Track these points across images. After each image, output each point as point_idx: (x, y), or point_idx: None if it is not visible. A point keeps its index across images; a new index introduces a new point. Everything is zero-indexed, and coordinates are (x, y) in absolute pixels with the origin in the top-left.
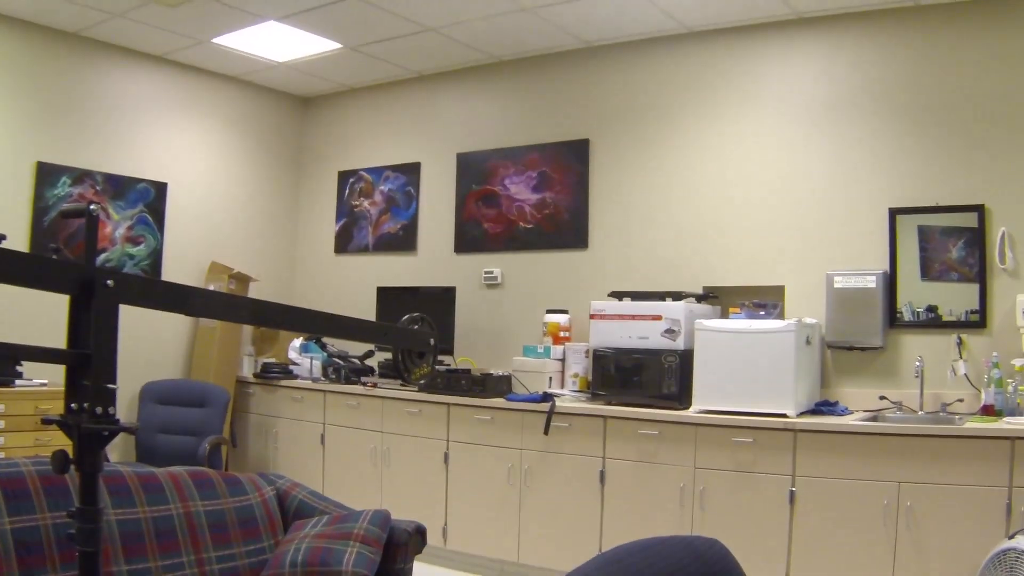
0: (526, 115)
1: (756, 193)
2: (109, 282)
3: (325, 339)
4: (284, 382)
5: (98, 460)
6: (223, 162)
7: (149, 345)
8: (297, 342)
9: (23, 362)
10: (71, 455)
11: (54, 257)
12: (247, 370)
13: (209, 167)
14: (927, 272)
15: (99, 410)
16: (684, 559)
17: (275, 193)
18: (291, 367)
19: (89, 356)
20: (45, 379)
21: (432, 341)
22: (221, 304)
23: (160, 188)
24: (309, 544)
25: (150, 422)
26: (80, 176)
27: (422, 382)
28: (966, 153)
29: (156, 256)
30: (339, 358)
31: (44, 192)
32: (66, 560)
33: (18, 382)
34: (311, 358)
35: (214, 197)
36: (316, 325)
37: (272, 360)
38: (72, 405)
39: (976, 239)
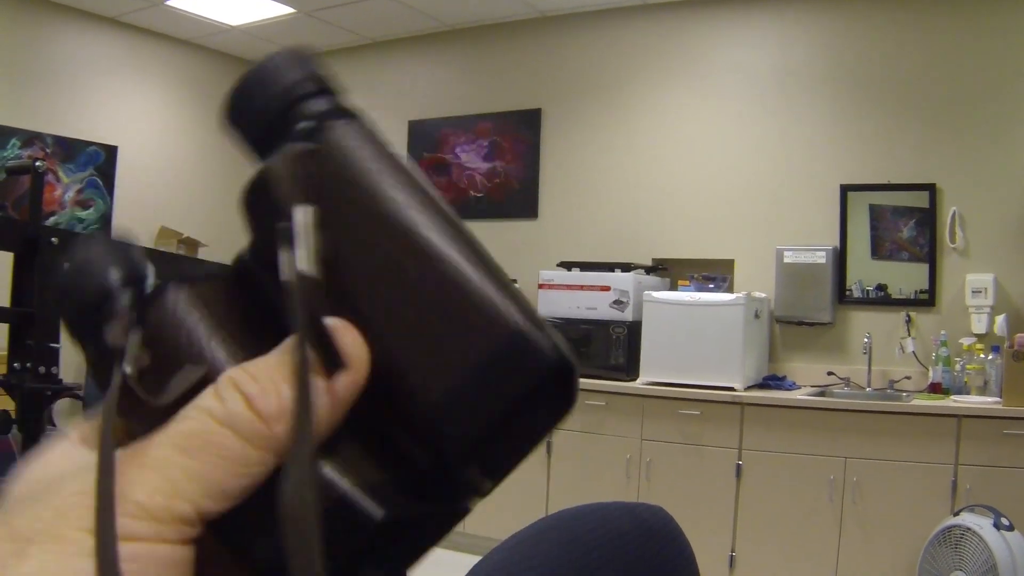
0: (478, 84)
1: (708, 166)
2: (54, 239)
3: None
4: None
5: (41, 420)
6: (174, 126)
7: None
8: None
9: None
10: (13, 416)
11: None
12: None
13: (160, 131)
14: (877, 251)
15: (42, 370)
16: (625, 525)
17: (226, 159)
18: None
19: (32, 315)
20: None
21: None
22: (168, 264)
23: (110, 151)
24: None
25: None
26: (29, 139)
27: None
28: (919, 132)
29: (105, 220)
30: None
31: None
32: None
33: None
34: None
35: (165, 161)
36: None
37: None
38: (15, 365)
39: (927, 220)
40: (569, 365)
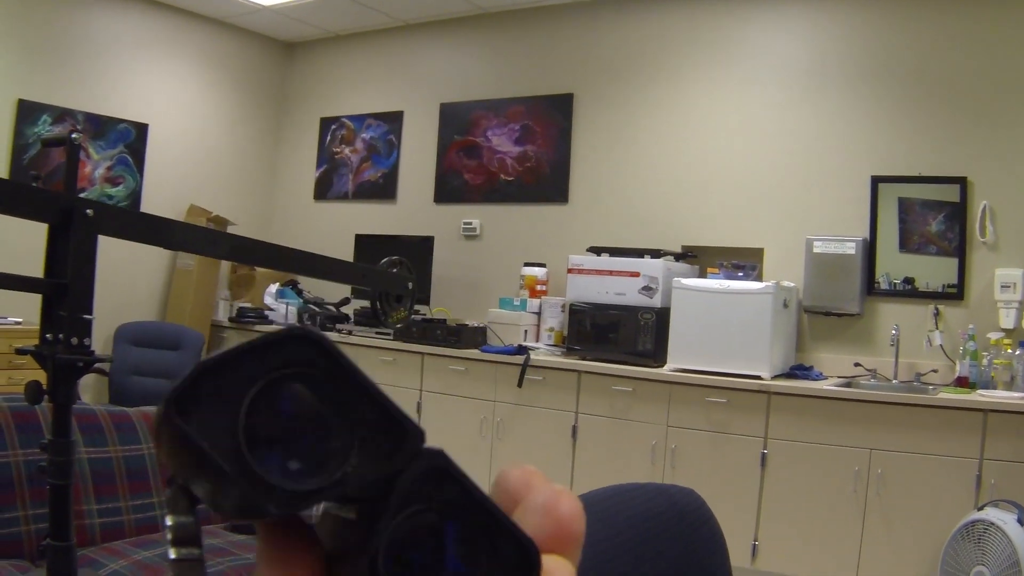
0: (511, 68)
1: (739, 154)
2: (89, 212)
3: (302, 284)
4: (259, 327)
5: (72, 391)
6: (205, 105)
7: (125, 286)
8: (273, 287)
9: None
10: (45, 386)
11: (35, 185)
12: (222, 314)
13: (191, 110)
14: (905, 244)
15: (74, 341)
16: (660, 505)
17: (255, 138)
18: (266, 312)
19: (66, 286)
20: (20, 317)
21: (411, 285)
22: (201, 238)
23: (141, 129)
24: None
25: (124, 363)
26: (61, 115)
27: (398, 326)
28: (951, 125)
29: (135, 197)
30: (315, 304)
31: (24, 130)
32: (36, 497)
33: None
34: (287, 304)
35: (195, 140)
36: (295, 263)
37: (248, 305)
38: (47, 336)
39: (957, 214)
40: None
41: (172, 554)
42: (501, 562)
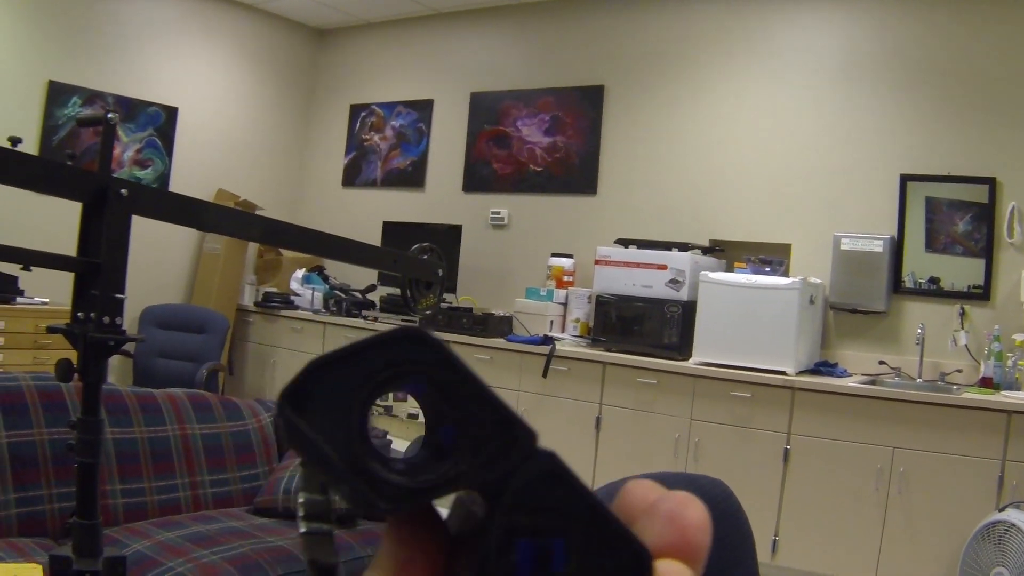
0: (542, 58)
1: (768, 149)
2: (123, 191)
3: (328, 271)
4: (285, 312)
5: (102, 370)
6: (235, 90)
7: (152, 269)
8: (299, 273)
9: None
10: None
11: (69, 164)
12: (248, 299)
13: (221, 94)
14: (932, 244)
15: (106, 319)
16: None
17: (285, 123)
18: (292, 297)
19: (98, 265)
20: (47, 297)
21: (440, 271)
22: (233, 220)
23: (171, 112)
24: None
25: (149, 346)
26: (91, 97)
27: (427, 313)
28: (981, 126)
29: (163, 180)
30: (341, 291)
31: (54, 111)
32: (60, 476)
33: (19, 300)
34: (313, 289)
35: (224, 124)
36: (328, 248)
37: (274, 290)
38: (79, 314)
39: (984, 215)
40: None
41: (303, 528)
42: (611, 567)
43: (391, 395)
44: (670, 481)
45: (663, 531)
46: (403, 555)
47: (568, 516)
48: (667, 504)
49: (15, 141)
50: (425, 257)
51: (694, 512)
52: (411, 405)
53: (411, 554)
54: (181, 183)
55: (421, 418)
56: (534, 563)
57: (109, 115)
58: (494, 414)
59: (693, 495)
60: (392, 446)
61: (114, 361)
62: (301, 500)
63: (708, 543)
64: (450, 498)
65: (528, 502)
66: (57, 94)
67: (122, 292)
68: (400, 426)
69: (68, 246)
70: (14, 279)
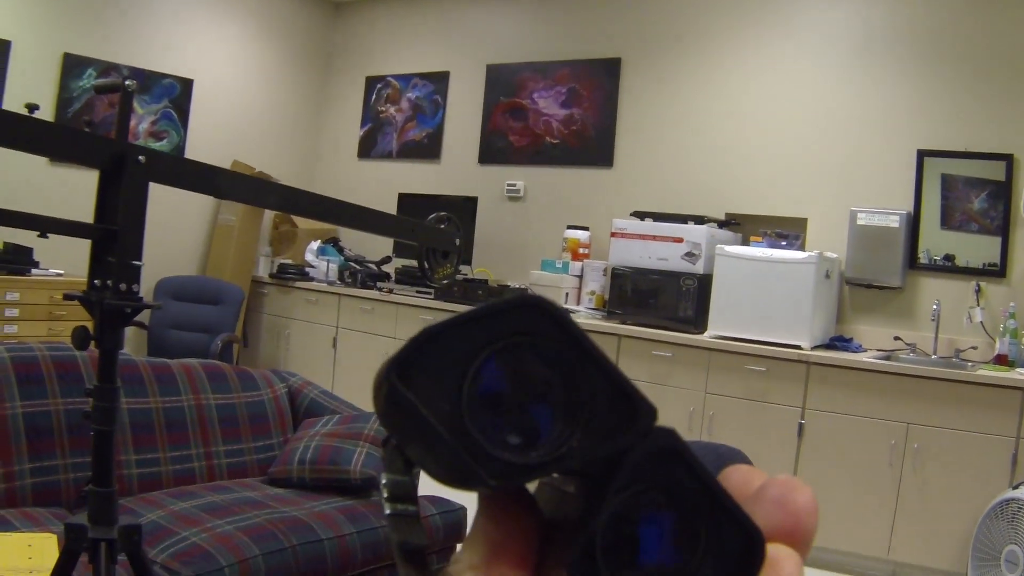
0: (559, 30)
1: (785, 123)
2: (141, 158)
3: (343, 242)
4: (299, 284)
5: (119, 337)
6: (250, 61)
7: (166, 241)
8: (314, 244)
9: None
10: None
11: (86, 131)
12: (263, 270)
13: (236, 66)
14: (947, 221)
15: (123, 287)
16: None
17: (300, 95)
18: (307, 269)
19: (115, 232)
20: (62, 269)
21: (457, 241)
22: (251, 188)
23: (186, 84)
24: (319, 443)
25: (164, 318)
26: (106, 69)
27: (444, 282)
28: (1000, 102)
29: (179, 152)
30: (356, 262)
31: (69, 83)
32: (75, 446)
33: (34, 271)
34: (328, 261)
35: (239, 96)
36: (345, 216)
37: (288, 261)
38: (95, 282)
39: (1000, 192)
40: None
41: (388, 509)
42: (723, 549)
43: (507, 365)
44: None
45: (772, 516)
46: (498, 535)
47: (685, 497)
48: (775, 489)
49: (32, 108)
50: (442, 226)
51: (803, 497)
52: (529, 377)
53: (506, 534)
54: (196, 155)
55: (536, 391)
56: (644, 542)
57: (127, 82)
58: (614, 387)
59: (798, 480)
60: (506, 420)
61: (129, 333)
62: (385, 481)
63: (815, 529)
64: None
65: (645, 480)
66: (72, 66)
67: (139, 259)
68: (516, 399)
69: (84, 216)
70: (29, 250)
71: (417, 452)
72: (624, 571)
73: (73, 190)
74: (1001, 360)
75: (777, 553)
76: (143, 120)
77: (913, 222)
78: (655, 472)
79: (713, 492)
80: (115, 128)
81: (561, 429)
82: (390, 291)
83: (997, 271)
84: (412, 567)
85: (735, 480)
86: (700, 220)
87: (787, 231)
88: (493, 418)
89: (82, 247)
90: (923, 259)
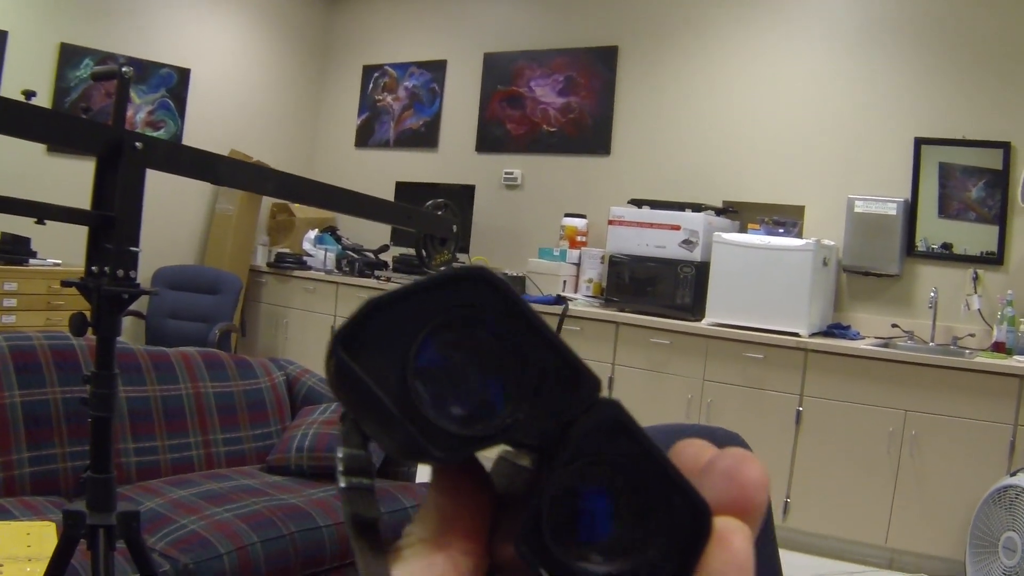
0: (556, 19)
1: (783, 111)
2: (138, 144)
3: (340, 231)
4: (297, 273)
5: (117, 324)
6: (247, 51)
7: (164, 230)
8: (312, 233)
9: (41, 236)
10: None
11: (84, 117)
12: (261, 259)
13: (233, 55)
14: (945, 210)
15: (120, 273)
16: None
17: (298, 84)
18: (305, 258)
19: (113, 218)
20: (59, 259)
21: (455, 227)
22: (248, 174)
23: (183, 74)
24: (316, 430)
25: (161, 307)
26: (103, 59)
27: (442, 269)
28: (997, 90)
29: (176, 142)
30: (353, 251)
31: (67, 73)
32: (73, 435)
33: (31, 261)
34: (325, 250)
35: (237, 85)
36: (343, 203)
37: (286, 250)
38: (93, 268)
39: (998, 181)
40: None
41: (342, 483)
42: (671, 522)
43: (452, 338)
44: (689, 432)
45: (722, 489)
46: (450, 508)
47: (630, 468)
48: (725, 461)
49: (29, 95)
50: (440, 213)
51: (753, 470)
52: (474, 350)
53: (458, 507)
54: (194, 144)
55: (482, 364)
56: (590, 515)
57: (124, 69)
58: (559, 360)
59: (750, 452)
60: (452, 393)
61: (127, 323)
62: (340, 455)
63: (766, 501)
64: (494, 455)
65: (590, 452)
66: (69, 56)
67: (136, 245)
68: (461, 372)
69: (81, 205)
70: (27, 240)
71: (370, 426)
72: (571, 545)
73: (70, 179)
74: (998, 347)
75: (726, 526)
76: (140, 110)
77: (911, 210)
78: (601, 445)
79: (659, 464)
80: (112, 115)
81: (507, 401)
82: (388, 279)
83: (995, 259)
84: (364, 540)
85: (688, 454)
86: (697, 208)
87: (785, 218)
88: (439, 390)
89: (80, 237)
90: (921, 247)
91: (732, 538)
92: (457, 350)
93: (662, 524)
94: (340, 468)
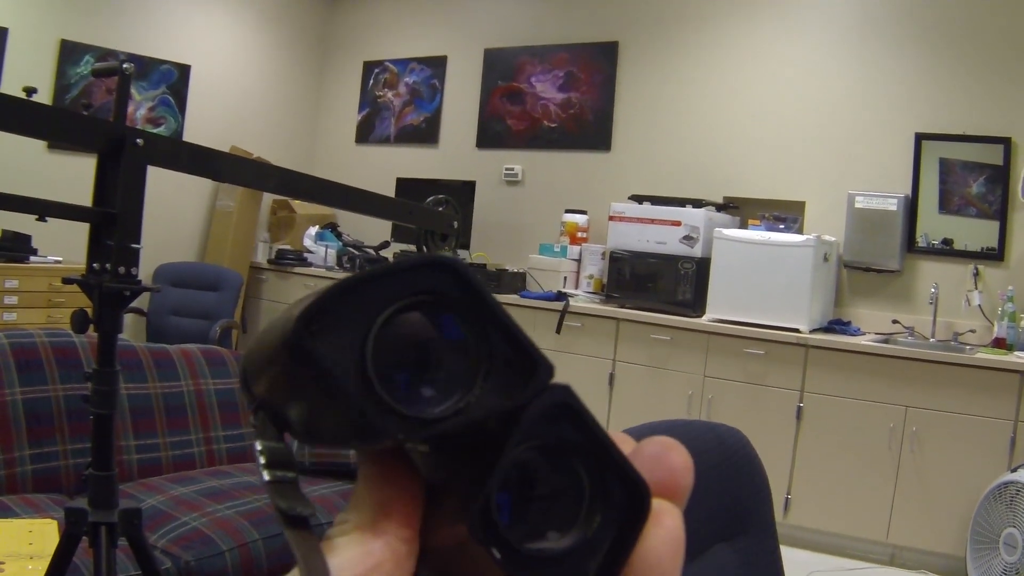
0: (556, 14)
1: (783, 107)
2: (139, 141)
3: (341, 227)
4: (298, 269)
5: (118, 321)
6: (248, 46)
7: (165, 227)
8: (312, 230)
9: (42, 233)
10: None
11: (84, 114)
12: (261, 256)
13: (234, 51)
14: (945, 205)
15: (121, 270)
16: (709, 442)
17: (298, 80)
18: (305, 255)
19: (114, 215)
20: (60, 256)
21: (455, 223)
22: (249, 171)
23: (183, 70)
24: None
25: (162, 304)
26: (103, 55)
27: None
28: (998, 85)
29: (177, 138)
30: (354, 247)
31: (67, 70)
32: (75, 432)
33: (32, 258)
34: (326, 247)
35: (237, 82)
36: (343, 199)
37: (287, 247)
38: (94, 265)
39: (998, 176)
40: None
41: (267, 476)
42: (611, 503)
43: (410, 322)
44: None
45: (651, 472)
46: (383, 495)
47: (578, 450)
48: (652, 448)
49: (30, 91)
50: (440, 209)
51: (679, 455)
52: (431, 333)
53: (392, 494)
54: (194, 141)
55: (438, 348)
56: (539, 499)
57: (124, 65)
58: (514, 345)
59: (674, 440)
60: (407, 376)
61: (128, 320)
62: (260, 448)
63: (691, 486)
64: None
65: (541, 436)
66: (69, 53)
67: (138, 242)
68: (418, 355)
69: (83, 203)
70: (27, 238)
71: (308, 412)
72: (520, 525)
73: (71, 175)
74: (999, 343)
75: (660, 506)
76: (141, 106)
77: (911, 205)
78: (550, 428)
79: (604, 447)
80: (113, 111)
81: (462, 385)
82: None
83: (995, 255)
84: (297, 532)
85: (615, 440)
86: (698, 203)
87: (785, 214)
88: (396, 372)
89: (81, 234)
90: (921, 243)
91: (665, 516)
92: (416, 333)
93: (605, 504)
94: (262, 461)
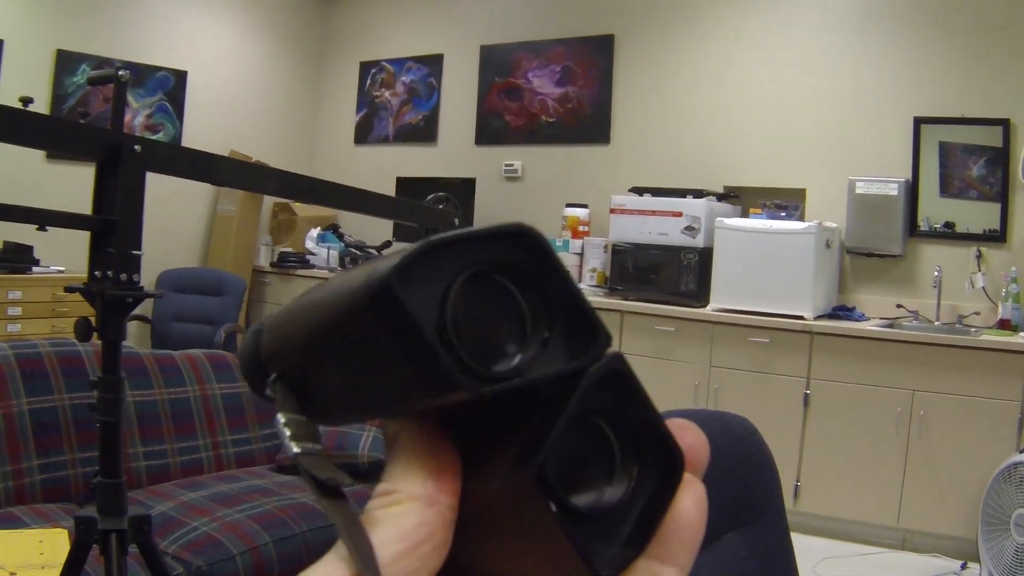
0: (551, 9)
1: (781, 94)
2: (136, 148)
3: (343, 229)
4: (300, 272)
5: (121, 328)
6: (244, 51)
7: (166, 233)
8: (314, 232)
9: (44, 244)
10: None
11: (81, 122)
12: (264, 259)
13: (230, 56)
14: (946, 188)
15: (123, 277)
16: (715, 431)
17: (295, 82)
18: (308, 257)
19: (114, 223)
20: (62, 266)
21: (456, 220)
22: (248, 174)
23: (180, 76)
24: (325, 428)
25: (166, 310)
26: (100, 64)
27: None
28: (995, 67)
29: (175, 144)
30: (356, 248)
31: (64, 80)
32: (83, 441)
33: (35, 269)
34: (328, 248)
35: (234, 86)
36: (343, 199)
37: (289, 249)
38: (96, 273)
39: (998, 159)
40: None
41: (296, 448)
42: (648, 465)
43: (487, 284)
44: (698, 417)
45: None
46: (435, 464)
47: (626, 415)
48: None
49: (26, 101)
50: (441, 207)
51: (692, 434)
52: (505, 296)
53: (442, 464)
54: (193, 146)
55: (509, 310)
56: (589, 463)
57: (120, 72)
58: (579, 313)
59: (687, 420)
60: (479, 335)
61: (132, 327)
62: (284, 420)
63: (707, 462)
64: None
65: (595, 398)
66: (66, 62)
67: (138, 248)
68: (490, 316)
69: (82, 212)
70: (29, 248)
71: (355, 375)
72: (572, 484)
73: (70, 184)
74: (1004, 325)
75: (685, 476)
76: (138, 114)
77: (912, 190)
78: (606, 392)
79: (652, 416)
80: (110, 119)
81: (528, 345)
82: None
83: (997, 236)
84: (335, 501)
85: None
86: (699, 194)
87: (786, 202)
88: (470, 329)
89: (82, 243)
90: (923, 226)
91: (690, 487)
92: (489, 295)
93: (642, 466)
94: (288, 433)
